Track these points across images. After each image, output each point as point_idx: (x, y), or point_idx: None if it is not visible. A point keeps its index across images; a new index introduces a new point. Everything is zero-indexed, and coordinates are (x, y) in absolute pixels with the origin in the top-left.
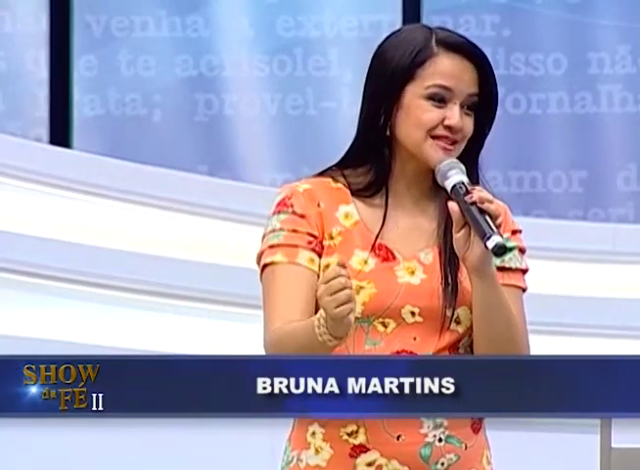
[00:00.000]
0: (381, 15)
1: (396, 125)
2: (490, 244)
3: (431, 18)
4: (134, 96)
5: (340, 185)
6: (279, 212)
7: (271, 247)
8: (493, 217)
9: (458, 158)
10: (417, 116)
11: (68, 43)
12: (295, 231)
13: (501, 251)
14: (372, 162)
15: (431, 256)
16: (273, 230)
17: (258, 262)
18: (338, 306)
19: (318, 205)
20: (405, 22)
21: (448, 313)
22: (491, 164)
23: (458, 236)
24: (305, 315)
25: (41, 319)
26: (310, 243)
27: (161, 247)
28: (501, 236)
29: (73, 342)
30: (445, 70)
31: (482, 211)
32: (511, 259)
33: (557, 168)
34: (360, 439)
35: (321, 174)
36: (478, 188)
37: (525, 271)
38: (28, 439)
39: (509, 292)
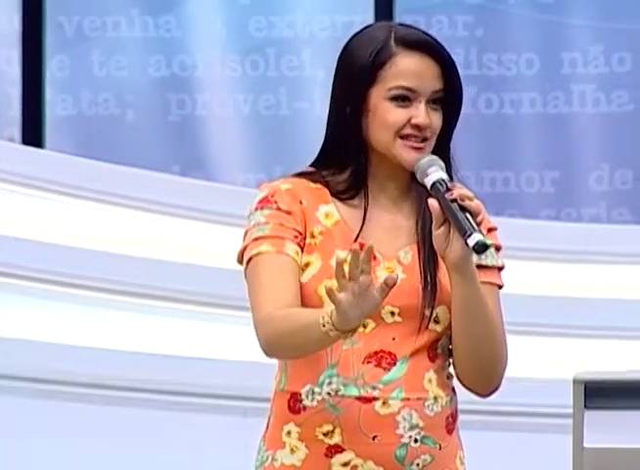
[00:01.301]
0: (353, 15)
1: (366, 128)
2: (471, 241)
3: (403, 17)
4: (107, 96)
5: (319, 185)
6: (262, 208)
7: (256, 239)
8: (474, 215)
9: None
10: (384, 118)
11: (40, 43)
12: (281, 225)
13: (482, 248)
14: (348, 165)
15: (410, 255)
16: (257, 224)
17: (240, 258)
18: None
19: (300, 202)
20: (377, 21)
21: (427, 313)
22: (464, 164)
23: (438, 233)
24: (293, 306)
25: (14, 319)
26: (296, 237)
27: (134, 247)
28: (482, 234)
29: (46, 342)
30: (406, 69)
31: (463, 209)
32: (487, 257)
33: (530, 168)
34: (336, 439)
35: (298, 175)
36: (458, 185)
37: (501, 269)
38: None
39: (486, 289)
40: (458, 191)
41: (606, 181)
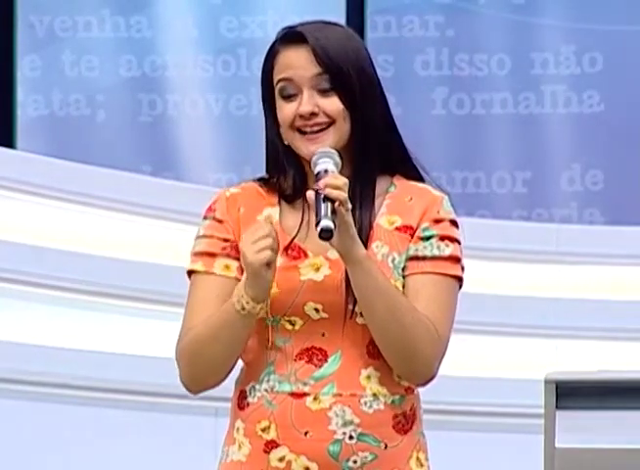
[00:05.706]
0: (324, 15)
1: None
2: (318, 228)
3: (374, 18)
4: (78, 96)
5: (270, 189)
6: (205, 218)
7: (194, 254)
8: (334, 203)
9: (351, 148)
10: (279, 116)
11: (11, 43)
12: (212, 237)
13: (327, 235)
14: (288, 169)
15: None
16: (198, 236)
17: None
18: (259, 252)
19: (238, 210)
20: (349, 22)
21: (350, 307)
22: (435, 165)
23: None
24: None
25: None
26: (225, 249)
27: (104, 247)
28: (333, 222)
29: (14, 342)
30: (283, 63)
31: (327, 198)
32: (425, 248)
33: (501, 169)
34: (272, 434)
35: (256, 180)
36: (332, 175)
37: (450, 258)
38: None
39: (421, 279)
40: (324, 181)
41: (577, 182)
